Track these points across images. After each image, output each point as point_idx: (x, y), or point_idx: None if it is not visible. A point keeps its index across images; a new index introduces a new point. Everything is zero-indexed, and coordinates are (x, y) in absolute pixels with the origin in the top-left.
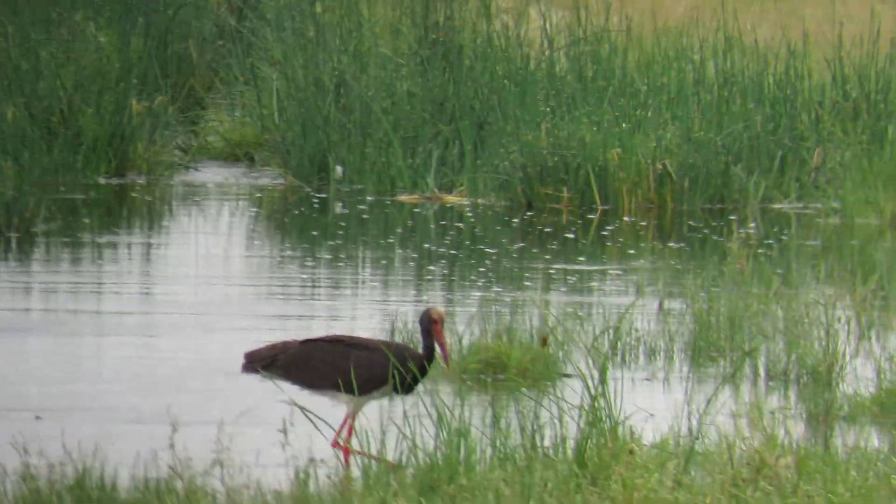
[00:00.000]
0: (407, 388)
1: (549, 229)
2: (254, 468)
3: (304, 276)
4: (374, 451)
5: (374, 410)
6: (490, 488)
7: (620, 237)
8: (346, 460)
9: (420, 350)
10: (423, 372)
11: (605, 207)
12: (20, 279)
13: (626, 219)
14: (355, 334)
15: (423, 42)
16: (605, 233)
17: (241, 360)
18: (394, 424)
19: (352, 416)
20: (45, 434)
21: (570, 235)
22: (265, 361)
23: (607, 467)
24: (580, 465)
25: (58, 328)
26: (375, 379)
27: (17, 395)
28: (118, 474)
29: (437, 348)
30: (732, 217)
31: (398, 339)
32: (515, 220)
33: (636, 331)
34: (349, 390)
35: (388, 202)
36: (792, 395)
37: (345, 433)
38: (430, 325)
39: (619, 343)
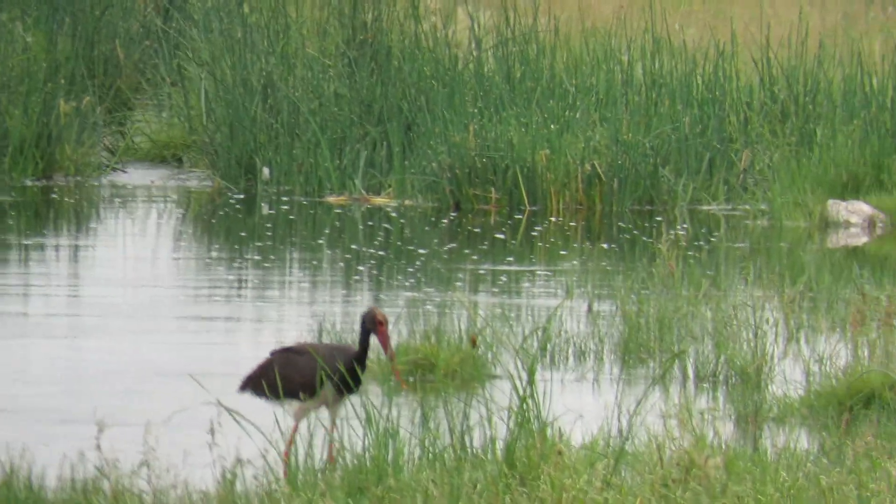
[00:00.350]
0: (347, 386)
1: (477, 230)
2: (181, 469)
3: (232, 277)
4: (301, 453)
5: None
6: (419, 489)
7: (549, 238)
8: (284, 471)
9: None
10: (352, 372)
11: (534, 208)
12: None
13: (554, 220)
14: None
15: (351, 43)
16: (533, 234)
17: (167, 362)
18: (321, 425)
19: (295, 422)
20: None
21: (499, 236)
22: (249, 382)
23: (536, 468)
24: (509, 465)
25: None
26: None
27: None
28: (45, 475)
29: (384, 349)
30: (661, 219)
31: (326, 340)
32: (444, 222)
33: (565, 332)
34: (277, 396)
35: (316, 203)
36: (721, 396)
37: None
38: (375, 326)
39: (548, 344)
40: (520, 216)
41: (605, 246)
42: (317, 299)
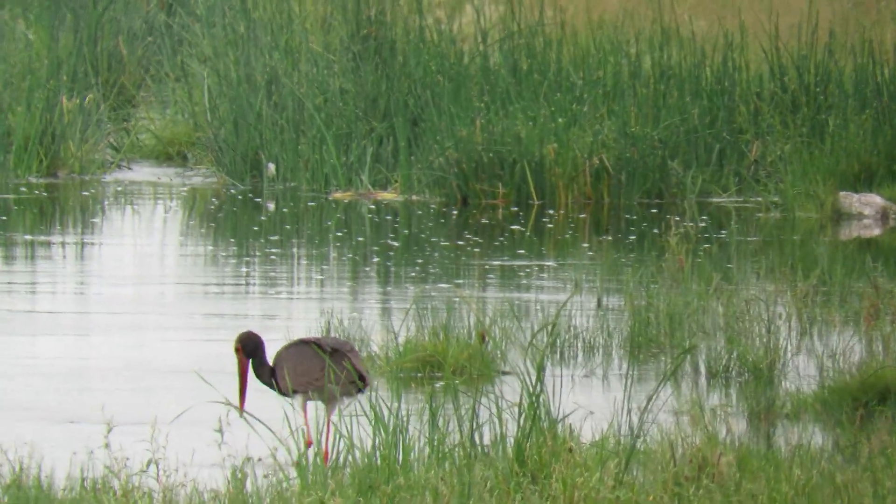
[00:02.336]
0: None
1: (485, 225)
2: (190, 467)
3: (238, 274)
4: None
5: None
6: (428, 487)
7: (557, 232)
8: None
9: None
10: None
11: (542, 203)
12: None
13: (562, 214)
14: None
15: (355, 37)
16: (541, 228)
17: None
18: (331, 424)
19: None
20: None
21: (507, 231)
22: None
23: (547, 466)
24: (520, 463)
25: None
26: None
27: None
28: (55, 474)
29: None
30: (670, 212)
31: (333, 336)
32: (451, 217)
33: (574, 327)
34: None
35: (322, 199)
36: (733, 392)
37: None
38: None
39: (557, 340)
40: (528, 211)
41: (613, 240)
42: (324, 295)
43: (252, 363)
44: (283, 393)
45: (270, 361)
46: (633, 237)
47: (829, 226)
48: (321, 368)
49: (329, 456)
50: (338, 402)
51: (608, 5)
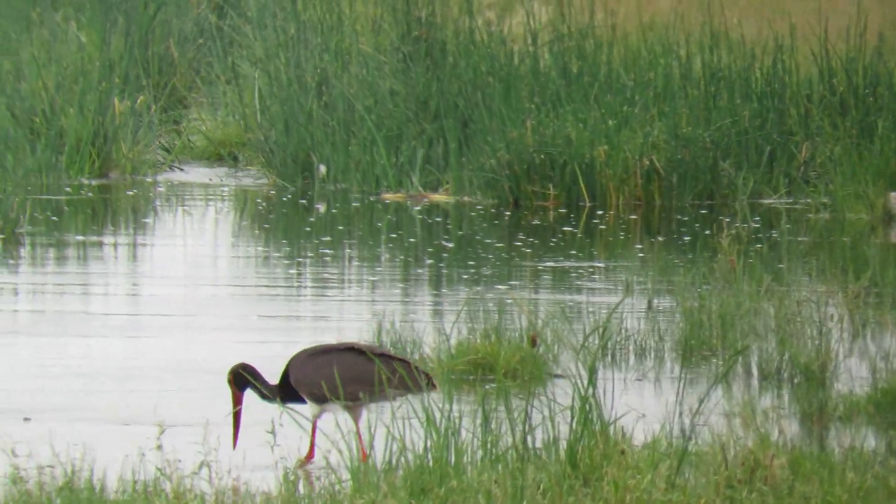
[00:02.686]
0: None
1: (536, 227)
2: (242, 470)
3: (289, 275)
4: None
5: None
6: (481, 490)
7: (608, 234)
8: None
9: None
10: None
11: (593, 204)
12: (5, 280)
13: (613, 215)
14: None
15: (406, 39)
16: (592, 230)
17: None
18: (383, 426)
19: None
20: (34, 436)
21: (558, 233)
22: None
23: (599, 468)
24: (572, 466)
25: (44, 329)
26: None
27: (5, 396)
28: (107, 476)
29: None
30: (721, 213)
31: (385, 339)
32: (502, 218)
33: (626, 330)
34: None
35: (373, 201)
36: (785, 394)
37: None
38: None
39: (608, 342)
40: (578, 212)
41: (664, 242)
42: (376, 297)
43: (258, 392)
44: (317, 401)
45: (278, 376)
46: (685, 239)
47: (879, 227)
48: (373, 372)
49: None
50: (366, 410)
51: (658, 8)
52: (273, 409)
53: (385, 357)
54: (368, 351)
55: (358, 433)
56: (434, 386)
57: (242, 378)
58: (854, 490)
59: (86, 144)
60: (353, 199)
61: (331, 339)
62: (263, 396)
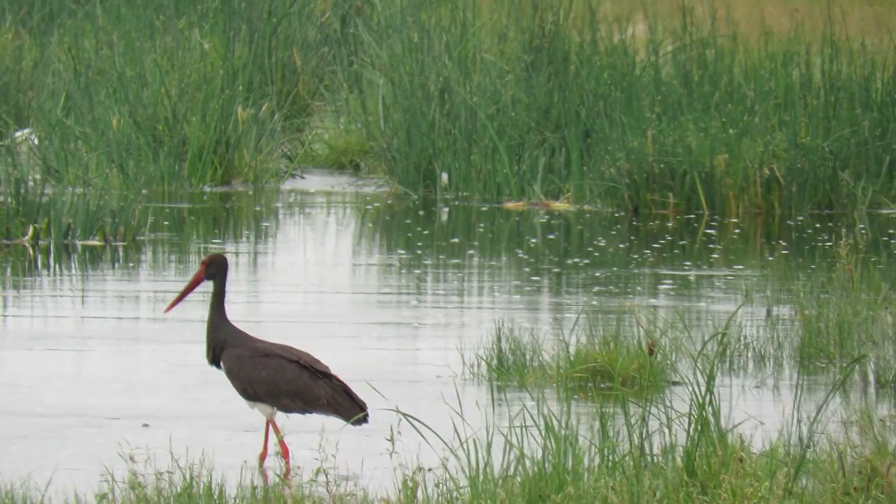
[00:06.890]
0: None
1: (655, 235)
2: (360, 476)
3: (411, 283)
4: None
5: (478, 419)
6: (598, 497)
7: (727, 242)
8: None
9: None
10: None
11: (712, 213)
12: (127, 288)
13: (732, 224)
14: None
15: (528, 48)
16: (712, 238)
17: (346, 367)
18: (500, 434)
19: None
20: (152, 442)
21: (678, 241)
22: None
23: (717, 476)
24: (689, 473)
25: (165, 336)
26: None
27: (125, 403)
28: (226, 482)
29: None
30: (840, 223)
31: (504, 345)
32: (622, 227)
33: (744, 337)
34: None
35: (495, 209)
36: None
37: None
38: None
39: (727, 350)
40: (698, 220)
41: (783, 250)
42: (496, 304)
43: (212, 304)
44: (247, 397)
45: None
46: (804, 247)
47: None
48: (313, 391)
49: (289, 453)
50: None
51: (778, 18)
52: (392, 416)
53: (326, 377)
54: (311, 367)
55: (274, 426)
56: (366, 419)
57: (215, 269)
58: None
59: (208, 152)
60: (474, 208)
61: (451, 346)
62: (211, 319)
